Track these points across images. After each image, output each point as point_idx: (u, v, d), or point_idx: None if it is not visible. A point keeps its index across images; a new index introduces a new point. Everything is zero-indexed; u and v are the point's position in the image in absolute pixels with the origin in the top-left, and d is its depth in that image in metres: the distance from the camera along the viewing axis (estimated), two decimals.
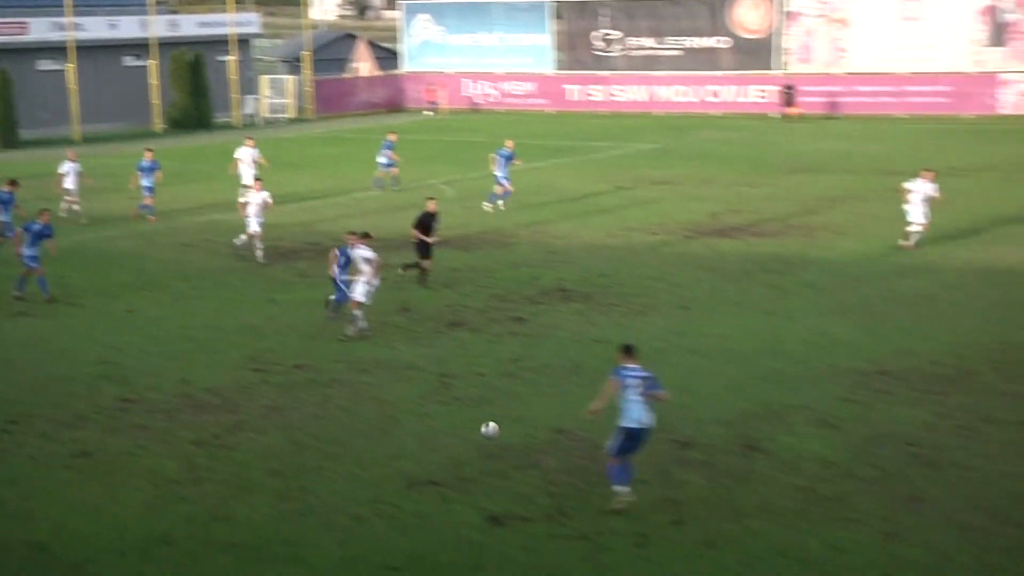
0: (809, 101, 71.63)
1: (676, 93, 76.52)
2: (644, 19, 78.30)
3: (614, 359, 17.97)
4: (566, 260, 34.94)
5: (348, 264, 27.39)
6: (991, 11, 69.11)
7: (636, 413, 17.34)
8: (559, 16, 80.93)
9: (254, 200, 34.65)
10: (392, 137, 49.31)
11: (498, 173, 43.23)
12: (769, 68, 74.34)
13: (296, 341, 26.75)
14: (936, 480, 18.67)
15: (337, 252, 27.68)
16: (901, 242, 35.22)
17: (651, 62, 78.14)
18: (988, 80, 68.55)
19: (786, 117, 69.99)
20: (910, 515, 17.49)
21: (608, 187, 47.54)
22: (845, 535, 16.90)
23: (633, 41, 78.87)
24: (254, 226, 34.36)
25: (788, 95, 70.82)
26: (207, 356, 25.69)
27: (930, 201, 34.97)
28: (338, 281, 27.59)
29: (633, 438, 17.43)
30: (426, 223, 31.68)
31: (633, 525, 17.02)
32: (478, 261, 34.85)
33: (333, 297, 27.87)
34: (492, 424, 19.37)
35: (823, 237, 37.52)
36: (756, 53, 75.08)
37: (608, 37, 79.58)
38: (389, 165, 48.41)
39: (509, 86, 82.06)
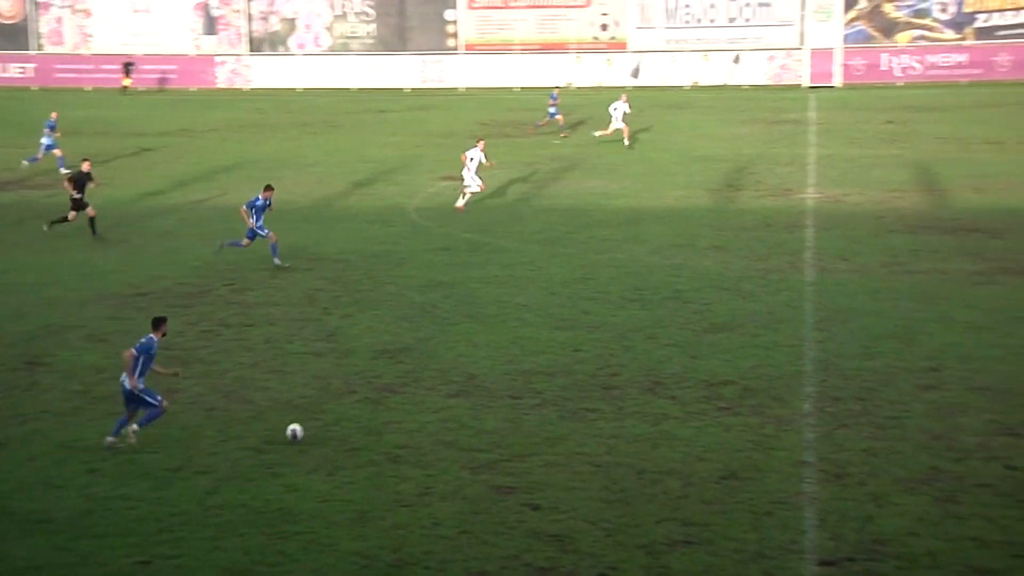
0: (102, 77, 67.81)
1: None
2: None
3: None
4: None
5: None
6: (204, 6, 69.44)
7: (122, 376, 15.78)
8: None
9: None
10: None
11: (43, 141, 38.71)
12: (26, 48, 70.11)
13: None
14: (186, 374, 18.62)
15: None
16: (457, 204, 31.62)
17: None
18: (207, 61, 68.86)
19: (125, 89, 65.80)
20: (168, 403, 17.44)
21: None
22: (112, 424, 16.55)
23: None
24: None
25: (128, 69, 66.54)
26: None
27: (480, 167, 32.00)
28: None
29: (123, 393, 15.78)
30: (81, 181, 28.41)
31: None
32: None
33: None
34: (294, 430, 15.99)
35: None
36: (13, 36, 70.52)
37: None
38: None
39: None
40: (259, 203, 25.55)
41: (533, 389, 17.96)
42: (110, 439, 15.73)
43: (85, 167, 29.41)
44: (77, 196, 28.62)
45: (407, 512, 13.94)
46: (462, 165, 32.03)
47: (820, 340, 20.08)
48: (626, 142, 42.39)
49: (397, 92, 64.07)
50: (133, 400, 15.77)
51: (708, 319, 21.42)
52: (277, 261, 25.57)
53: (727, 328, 20.84)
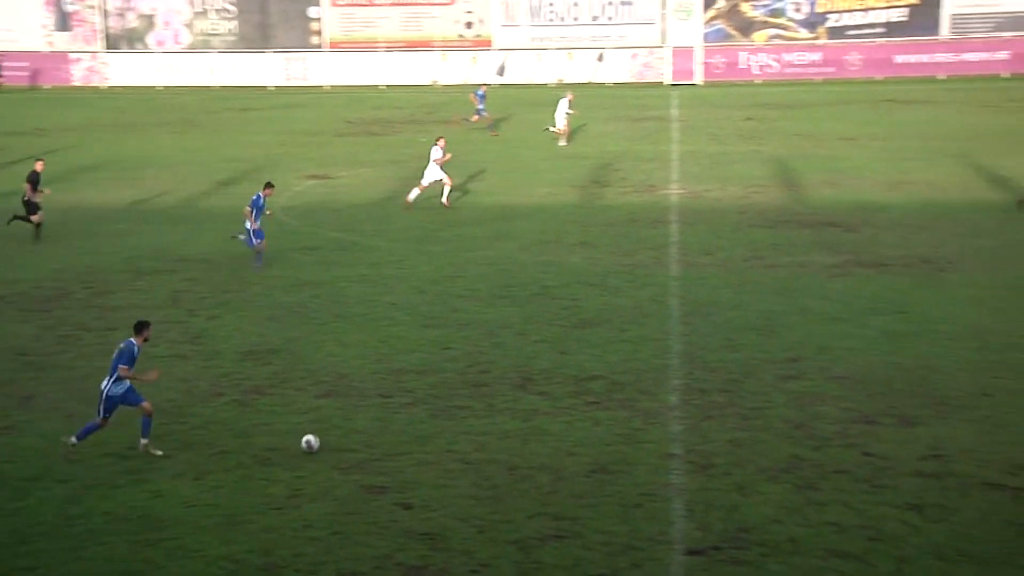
0: None
1: None
2: None
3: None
4: None
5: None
6: (55, 1, 67.44)
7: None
8: None
9: None
10: None
11: None
12: None
13: None
14: (44, 380, 18.23)
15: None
16: (443, 200, 31.56)
17: None
18: (62, 58, 66.92)
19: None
20: (24, 411, 16.97)
21: None
22: None
23: None
24: None
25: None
26: None
27: (440, 161, 31.41)
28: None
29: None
30: (34, 180, 27.10)
31: None
32: None
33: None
34: (310, 443, 15.43)
35: None
36: None
37: None
38: None
39: None
40: (261, 202, 24.48)
41: (403, 388, 17.90)
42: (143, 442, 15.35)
43: (39, 167, 28.10)
44: (28, 198, 27.49)
45: (277, 515, 13.76)
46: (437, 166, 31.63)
47: (685, 334, 20.44)
48: (562, 142, 42.21)
49: (260, 90, 63.18)
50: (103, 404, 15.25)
51: (576, 315, 21.63)
52: (258, 265, 24.91)
53: (595, 323, 21.08)
